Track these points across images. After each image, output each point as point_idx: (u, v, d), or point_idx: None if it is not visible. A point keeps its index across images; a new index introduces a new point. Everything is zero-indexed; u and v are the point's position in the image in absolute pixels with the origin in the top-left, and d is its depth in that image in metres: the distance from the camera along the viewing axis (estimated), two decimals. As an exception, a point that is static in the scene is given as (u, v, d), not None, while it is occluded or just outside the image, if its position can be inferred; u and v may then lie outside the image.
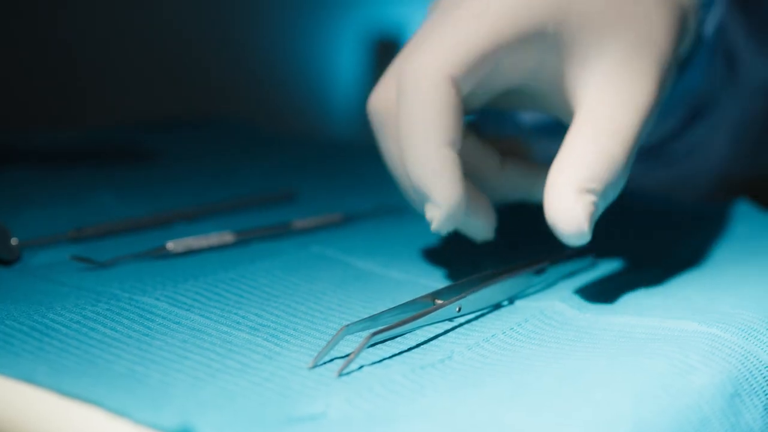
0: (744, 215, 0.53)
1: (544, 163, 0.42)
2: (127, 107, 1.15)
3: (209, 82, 1.27)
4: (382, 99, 0.43)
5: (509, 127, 0.50)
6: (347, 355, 0.34)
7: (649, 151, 0.59)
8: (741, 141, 0.63)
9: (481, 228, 0.43)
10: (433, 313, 0.38)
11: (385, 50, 1.89)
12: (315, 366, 0.34)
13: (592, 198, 0.39)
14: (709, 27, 0.50)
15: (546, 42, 0.41)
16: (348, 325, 0.35)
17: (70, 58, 1.13)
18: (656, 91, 0.41)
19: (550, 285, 0.43)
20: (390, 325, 0.36)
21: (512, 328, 0.38)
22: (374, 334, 0.35)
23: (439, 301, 0.38)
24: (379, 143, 0.43)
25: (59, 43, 1.11)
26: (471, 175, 0.43)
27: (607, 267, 0.46)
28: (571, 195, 0.38)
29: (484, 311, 0.40)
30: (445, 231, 0.40)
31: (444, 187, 0.39)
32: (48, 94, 1.11)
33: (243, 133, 0.80)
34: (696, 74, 0.52)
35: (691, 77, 0.51)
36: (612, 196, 0.40)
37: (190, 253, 0.45)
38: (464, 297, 0.39)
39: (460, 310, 0.39)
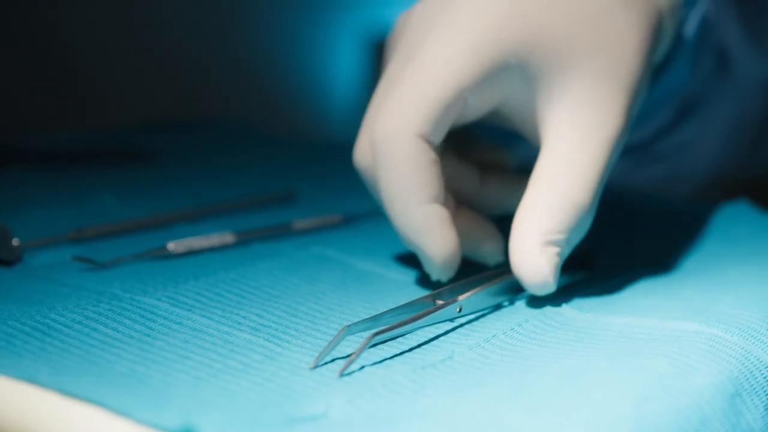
0: (744, 215, 0.53)
1: (525, 174, 0.41)
2: (128, 108, 1.15)
3: (209, 83, 1.27)
4: (363, 155, 0.42)
5: (488, 133, 0.49)
6: (348, 356, 0.34)
7: (639, 147, 0.59)
8: (738, 139, 0.63)
9: (490, 254, 0.43)
10: (434, 314, 0.38)
11: (383, 51, 1.89)
12: (316, 366, 0.34)
13: (556, 249, 0.39)
14: (691, 25, 0.49)
15: (511, 75, 0.40)
16: (349, 326, 0.35)
17: (70, 59, 1.13)
18: (624, 117, 0.41)
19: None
20: (391, 326, 0.36)
21: (513, 329, 0.38)
22: (375, 334, 0.35)
23: (440, 302, 0.39)
24: (372, 193, 0.43)
25: (59, 44, 1.11)
26: (453, 194, 0.43)
27: (607, 267, 0.46)
28: (535, 248, 0.39)
29: (485, 312, 0.40)
30: (445, 279, 0.41)
31: (433, 242, 0.40)
32: (48, 95, 1.11)
33: (243, 133, 0.80)
34: (681, 72, 0.51)
35: (676, 75, 0.51)
36: (577, 239, 0.40)
37: (190, 253, 0.45)
38: (465, 297, 0.39)
39: (460, 310, 0.39)
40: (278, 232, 0.49)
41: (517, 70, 0.40)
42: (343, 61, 1.52)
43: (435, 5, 0.42)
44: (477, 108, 0.41)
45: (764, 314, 0.38)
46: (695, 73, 0.54)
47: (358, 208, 0.54)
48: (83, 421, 0.30)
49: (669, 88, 0.52)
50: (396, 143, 0.39)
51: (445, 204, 0.41)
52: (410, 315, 0.37)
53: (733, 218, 0.53)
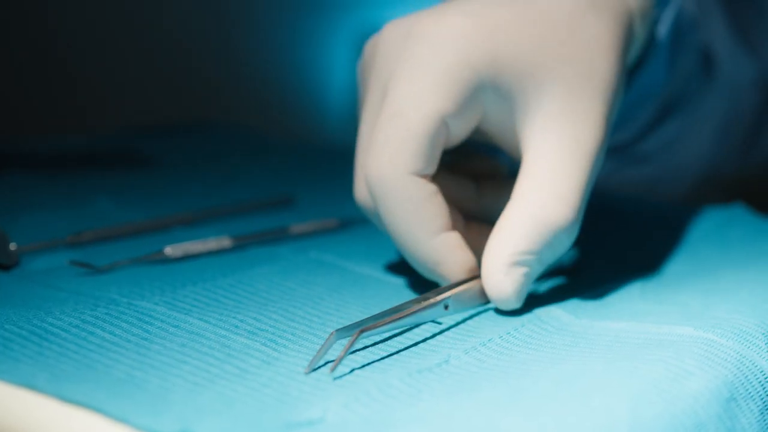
0: (739, 219, 0.53)
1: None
2: (125, 112, 1.15)
3: (206, 88, 1.27)
4: (363, 195, 0.43)
5: (479, 147, 0.50)
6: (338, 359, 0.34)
7: (621, 148, 0.59)
8: (728, 140, 0.63)
9: None
10: (421, 312, 0.38)
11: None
12: (311, 371, 0.34)
13: (522, 270, 0.39)
14: (664, 25, 0.49)
15: (486, 95, 0.40)
16: (338, 330, 0.35)
17: (70, 63, 1.13)
18: (602, 126, 0.41)
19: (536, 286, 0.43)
20: (377, 323, 0.36)
21: (509, 333, 0.38)
22: (362, 331, 0.35)
23: (428, 300, 0.39)
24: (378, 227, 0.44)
25: (58, 47, 1.11)
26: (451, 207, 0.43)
27: (602, 272, 0.46)
28: (501, 268, 0.39)
29: (474, 312, 0.40)
30: None
31: (451, 271, 0.41)
32: (47, 99, 1.11)
33: (240, 138, 0.80)
34: (657, 72, 0.51)
35: (652, 76, 0.51)
36: (552, 257, 0.40)
37: (188, 257, 0.45)
38: (451, 295, 0.39)
39: (447, 308, 0.39)
40: (275, 236, 0.49)
41: (491, 90, 0.40)
42: (340, 66, 1.52)
43: (400, 33, 0.42)
44: (459, 131, 0.41)
45: (759, 319, 0.38)
46: (675, 73, 0.54)
47: (355, 213, 0.54)
48: (81, 426, 0.30)
49: (646, 89, 0.52)
50: (391, 186, 0.40)
51: (454, 226, 0.41)
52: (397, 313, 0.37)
53: (728, 222, 0.53)
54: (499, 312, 0.40)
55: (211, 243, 0.46)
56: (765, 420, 0.34)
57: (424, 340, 0.37)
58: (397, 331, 0.37)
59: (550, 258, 0.40)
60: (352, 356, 0.35)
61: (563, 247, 0.40)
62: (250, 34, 1.34)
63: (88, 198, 0.57)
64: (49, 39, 1.11)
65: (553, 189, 0.39)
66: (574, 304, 0.41)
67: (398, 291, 0.43)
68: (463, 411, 0.31)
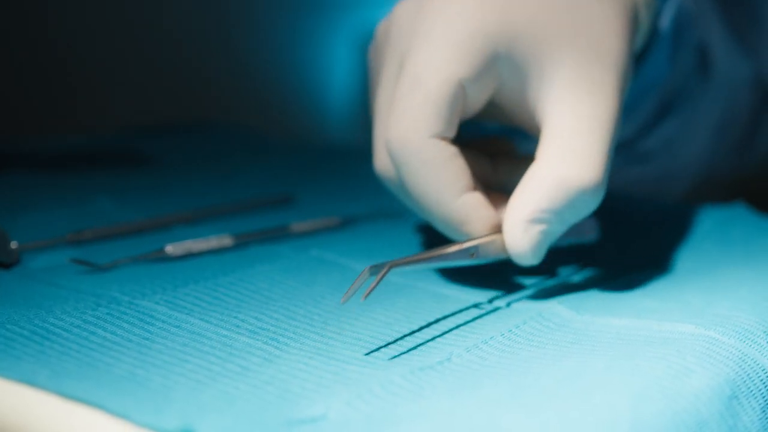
0: (740, 218, 0.53)
1: (533, 156, 0.42)
2: (126, 112, 1.15)
3: (207, 87, 1.27)
4: (383, 164, 0.44)
5: (489, 129, 0.50)
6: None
7: (622, 145, 0.59)
8: (724, 139, 0.63)
9: None
10: (448, 254, 0.39)
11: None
12: (346, 300, 0.35)
13: (542, 227, 0.40)
14: (666, 18, 0.50)
15: (502, 64, 0.41)
16: (371, 266, 0.36)
17: (70, 63, 1.13)
18: (617, 99, 0.41)
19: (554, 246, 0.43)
20: (407, 259, 0.37)
21: (510, 330, 0.38)
22: (392, 266, 0.36)
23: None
24: (402, 203, 0.45)
25: (58, 48, 1.11)
26: None
27: (604, 269, 0.46)
28: (521, 224, 0.40)
29: (478, 315, 0.40)
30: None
31: (477, 229, 0.42)
32: (47, 99, 1.11)
33: (241, 137, 0.80)
34: (659, 66, 0.52)
35: (654, 69, 0.51)
36: (574, 217, 0.41)
37: (189, 256, 0.45)
38: (477, 243, 0.40)
39: (473, 255, 0.40)
40: (276, 234, 0.49)
41: (506, 59, 0.41)
42: (340, 65, 1.52)
43: (412, 9, 0.43)
44: (476, 99, 0.42)
45: (761, 317, 0.38)
46: (675, 68, 0.55)
47: (356, 211, 0.54)
48: (83, 423, 0.30)
49: (648, 81, 0.52)
50: (414, 149, 0.41)
51: (475, 188, 0.42)
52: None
53: (729, 220, 0.53)
54: (501, 308, 0.40)
55: (212, 241, 0.46)
56: (767, 418, 0.34)
57: (425, 338, 0.37)
58: (424, 268, 0.39)
59: (572, 219, 0.41)
60: (355, 355, 0.35)
61: (587, 209, 0.41)
62: (250, 34, 1.34)
63: (89, 197, 0.57)
64: (49, 39, 1.11)
65: (577, 152, 0.40)
66: (575, 301, 0.41)
67: (399, 289, 0.43)
68: (464, 408, 0.31)
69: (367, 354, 0.36)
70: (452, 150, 0.41)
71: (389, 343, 0.37)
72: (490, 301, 0.41)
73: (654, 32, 0.49)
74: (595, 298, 0.42)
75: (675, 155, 0.62)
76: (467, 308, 0.40)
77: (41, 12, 1.11)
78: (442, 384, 0.33)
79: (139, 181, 0.63)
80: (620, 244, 0.50)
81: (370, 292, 0.35)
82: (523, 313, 0.40)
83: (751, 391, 0.34)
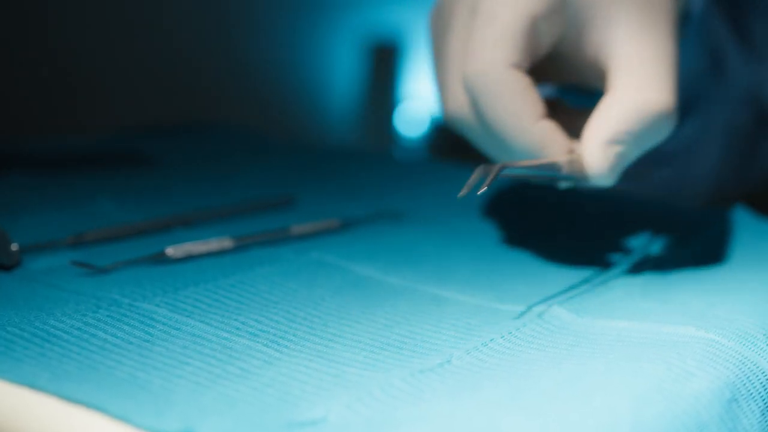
0: (742, 221, 0.53)
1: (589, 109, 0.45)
2: (126, 113, 1.15)
3: (208, 89, 1.27)
4: (456, 107, 0.46)
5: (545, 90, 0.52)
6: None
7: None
8: (731, 151, 0.63)
9: None
10: (544, 165, 0.42)
11: (381, 56, 1.89)
12: (464, 193, 0.38)
13: (618, 148, 0.43)
14: (697, 5, 0.51)
15: (569, 6, 0.44)
16: (484, 165, 0.39)
17: (71, 64, 1.13)
18: (675, 43, 0.44)
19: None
20: (516, 162, 0.41)
21: (510, 333, 0.38)
22: (503, 166, 0.39)
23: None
24: (473, 142, 0.47)
25: (59, 48, 1.11)
26: None
27: (603, 271, 0.46)
28: (600, 145, 0.43)
29: (477, 313, 0.40)
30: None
31: (556, 150, 0.44)
32: (48, 100, 1.11)
33: (241, 139, 0.80)
34: (687, 54, 0.52)
35: (687, 48, 0.53)
36: (649, 142, 0.44)
37: (189, 258, 0.45)
38: (564, 160, 0.43)
39: (560, 170, 0.43)
40: (277, 237, 0.49)
41: (573, 2, 0.44)
42: (341, 67, 1.52)
43: None
44: (545, 39, 0.45)
45: (761, 320, 0.38)
46: (692, 66, 0.55)
47: (357, 213, 0.54)
48: (83, 426, 0.30)
49: (681, 62, 0.54)
50: (494, 76, 0.43)
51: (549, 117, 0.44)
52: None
53: (730, 224, 0.53)
54: (501, 310, 0.40)
55: (213, 244, 0.46)
56: (766, 420, 0.34)
57: (425, 341, 0.37)
58: (529, 173, 0.42)
59: (648, 143, 0.44)
60: (356, 357, 0.35)
61: (662, 134, 0.44)
62: (250, 35, 1.34)
63: (89, 198, 0.57)
64: (50, 40, 1.11)
65: (652, 80, 0.43)
66: (575, 303, 0.41)
67: (399, 292, 0.43)
68: (464, 411, 0.31)
69: (367, 357, 0.36)
70: (529, 79, 0.44)
71: (389, 346, 0.37)
72: (490, 303, 0.41)
73: (686, 16, 0.51)
74: (595, 300, 0.42)
75: (692, 161, 0.62)
76: (467, 311, 0.41)
77: (41, 12, 1.11)
78: (442, 387, 0.33)
79: (140, 183, 0.63)
80: (619, 246, 0.50)
81: (486, 187, 0.37)
82: (522, 316, 0.40)
83: (751, 393, 0.34)
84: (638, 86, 0.43)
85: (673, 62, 0.44)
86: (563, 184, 0.45)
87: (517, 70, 0.43)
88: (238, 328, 0.37)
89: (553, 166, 0.43)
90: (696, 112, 0.59)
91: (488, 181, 0.38)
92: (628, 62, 0.43)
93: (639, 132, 0.43)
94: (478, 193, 0.38)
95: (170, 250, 0.45)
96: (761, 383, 0.35)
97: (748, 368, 0.35)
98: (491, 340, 0.37)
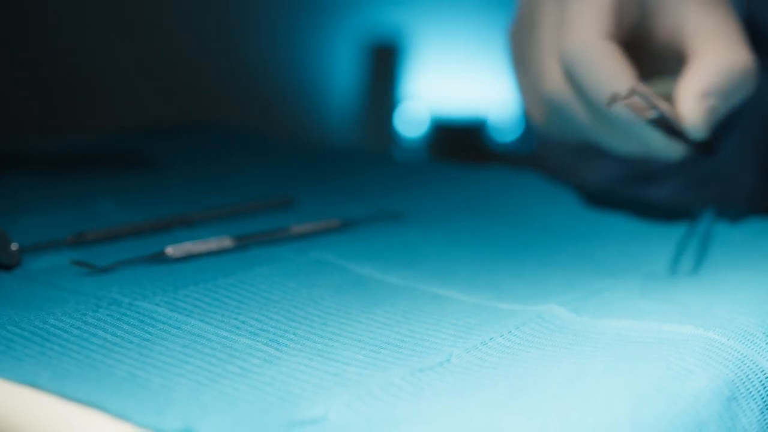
0: (741, 220, 0.53)
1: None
2: (126, 113, 1.15)
3: (208, 89, 1.27)
4: (553, 81, 0.51)
5: None
6: None
7: (681, 168, 0.62)
8: (766, 161, 0.65)
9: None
10: (668, 108, 0.46)
11: (381, 56, 1.89)
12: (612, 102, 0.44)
13: (711, 102, 0.47)
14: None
15: None
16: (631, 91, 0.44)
17: (71, 64, 1.13)
18: (738, 19, 0.50)
19: None
20: (647, 91, 0.45)
21: (510, 332, 0.38)
22: (633, 91, 0.44)
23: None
24: (570, 118, 0.51)
25: (58, 48, 1.11)
26: None
27: (603, 270, 0.46)
28: (695, 97, 0.47)
29: (477, 312, 0.40)
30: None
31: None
32: (48, 100, 1.11)
33: (242, 139, 0.80)
34: None
35: None
36: (735, 98, 0.48)
37: (189, 258, 0.45)
38: (663, 108, 0.46)
39: (656, 115, 0.47)
40: (276, 236, 0.49)
41: None
42: (341, 67, 1.52)
43: None
44: (627, 18, 0.50)
45: (760, 318, 0.38)
46: None
47: (356, 213, 0.54)
48: (83, 425, 0.30)
49: None
50: (590, 47, 0.48)
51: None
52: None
53: (729, 223, 0.53)
54: (501, 310, 0.41)
55: (212, 243, 0.46)
56: (765, 419, 0.34)
57: (425, 339, 0.37)
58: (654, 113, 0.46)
59: (734, 99, 0.48)
60: (356, 356, 0.35)
61: (746, 90, 0.48)
62: (250, 35, 1.34)
63: (89, 198, 0.57)
64: (50, 39, 1.11)
65: (731, 44, 0.48)
66: (575, 302, 0.41)
67: (399, 291, 0.43)
68: (464, 410, 0.31)
69: (367, 355, 0.36)
70: (621, 49, 0.48)
71: (389, 345, 0.37)
72: (490, 302, 0.41)
73: None
74: (594, 299, 0.42)
75: (732, 175, 0.64)
76: (466, 310, 0.41)
77: (41, 12, 1.11)
78: (442, 385, 0.33)
79: (140, 182, 0.63)
80: (618, 245, 0.50)
81: (619, 101, 0.44)
82: (522, 315, 0.40)
83: (750, 392, 0.34)
84: (721, 50, 0.47)
85: (742, 31, 0.49)
86: (663, 145, 0.48)
87: (610, 40, 0.48)
88: (238, 327, 0.38)
89: (664, 113, 0.47)
90: (733, 130, 0.61)
91: (623, 98, 0.44)
92: (707, 32, 0.48)
93: (727, 86, 0.47)
94: (606, 106, 0.45)
95: (170, 250, 0.45)
96: (760, 382, 0.35)
97: (748, 367, 0.35)
98: (491, 339, 0.37)
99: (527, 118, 0.55)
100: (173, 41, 1.24)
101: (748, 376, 0.35)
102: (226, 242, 0.47)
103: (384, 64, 1.78)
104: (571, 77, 0.49)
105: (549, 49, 0.51)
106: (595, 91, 0.48)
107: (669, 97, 0.48)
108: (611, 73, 0.47)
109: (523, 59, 0.55)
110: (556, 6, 0.51)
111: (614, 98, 0.45)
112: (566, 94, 0.50)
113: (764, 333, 0.37)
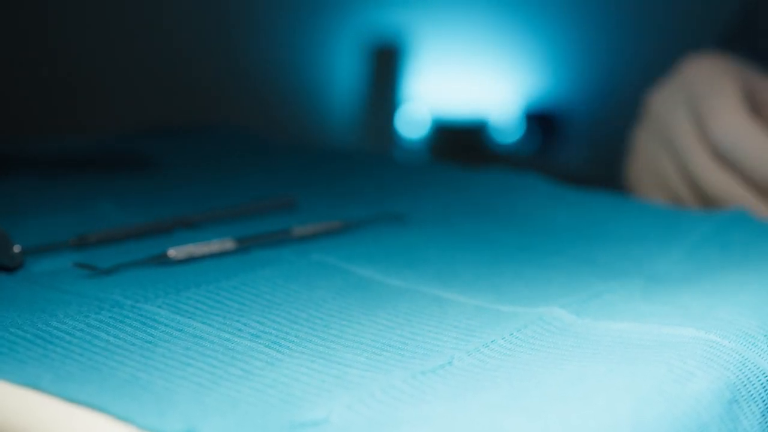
0: (741, 222, 0.53)
1: None
2: (128, 115, 1.15)
3: (209, 90, 1.28)
4: (713, 178, 0.58)
5: None
6: None
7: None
8: None
9: None
10: None
11: (382, 58, 1.89)
12: None
13: None
14: None
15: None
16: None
17: (72, 66, 1.13)
18: None
19: None
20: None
21: (512, 334, 0.38)
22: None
23: None
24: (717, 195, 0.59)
25: (59, 49, 1.12)
26: None
27: (604, 272, 0.46)
28: None
29: (485, 317, 0.40)
30: None
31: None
32: (48, 100, 1.11)
33: (243, 140, 0.80)
34: None
35: None
36: None
37: (191, 260, 0.45)
38: None
39: None
40: (278, 238, 0.49)
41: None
42: (343, 69, 1.52)
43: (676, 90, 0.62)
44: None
45: (762, 320, 0.39)
46: None
47: (358, 215, 0.54)
48: (86, 427, 0.30)
49: None
50: (741, 125, 0.56)
51: None
52: None
53: (729, 225, 0.53)
54: (502, 312, 0.41)
55: (214, 245, 0.46)
56: (767, 421, 0.34)
57: (427, 342, 0.37)
58: None
59: None
60: (357, 359, 0.35)
61: None
62: (251, 36, 1.34)
63: (91, 200, 0.57)
64: (50, 39, 1.11)
65: None
66: (576, 305, 0.41)
67: (400, 293, 0.43)
68: (466, 412, 0.31)
69: (368, 358, 0.36)
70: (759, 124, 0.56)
71: (390, 347, 0.37)
72: (491, 304, 0.41)
73: None
74: (595, 301, 0.42)
75: None
76: (468, 312, 0.41)
77: (41, 13, 1.11)
78: (444, 388, 0.33)
79: (141, 184, 0.63)
80: (619, 247, 0.50)
81: None
82: (524, 317, 0.40)
83: (752, 395, 0.34)
84: None
85: None
86: None
87: (751, 117, 0.55)
88: (239, 330, 0.38)
89: None
90: None
91: None
92: None
93: None
94: None
95: (172, 252, 0.45)
96: (762, 384, 0.35)
97: (749, 369, 0.35)
98: (492, 341, 0.37)
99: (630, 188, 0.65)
100: (173, 42, 1.24)
101: (749, 378, 0.35)
102: (228, 244, 0.47)
103: (385, 65, 1.78)
104: (731, 158, 0.56)
105: (696, 151, 0.58)
106: (755, 163, 0.55)
107: None
108: (763, 143, 0.54)
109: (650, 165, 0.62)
110: (690, 116, 0.58)
111: None
112: (729, 180, 0.57)
113: (766, 335, 0.37)
